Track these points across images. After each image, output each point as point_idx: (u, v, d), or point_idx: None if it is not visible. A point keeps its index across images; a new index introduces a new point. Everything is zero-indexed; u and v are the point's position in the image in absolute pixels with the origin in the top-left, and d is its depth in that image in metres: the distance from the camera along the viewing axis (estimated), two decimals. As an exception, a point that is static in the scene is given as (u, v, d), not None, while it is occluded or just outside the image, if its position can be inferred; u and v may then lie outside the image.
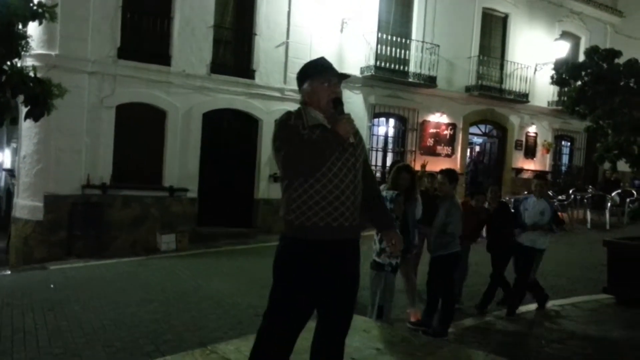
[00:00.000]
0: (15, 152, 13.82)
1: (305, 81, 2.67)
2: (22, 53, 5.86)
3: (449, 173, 5.57)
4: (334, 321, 2.64)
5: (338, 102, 2.60)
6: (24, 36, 5.67)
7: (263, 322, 2.59)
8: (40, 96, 5.66)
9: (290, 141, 2.49)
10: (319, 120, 2.59)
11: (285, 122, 2.58)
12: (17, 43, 5.57)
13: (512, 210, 6.71)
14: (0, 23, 5.24)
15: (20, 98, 5.92)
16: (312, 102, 2.64)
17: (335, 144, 2.48)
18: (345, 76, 2.77)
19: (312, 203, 2.49)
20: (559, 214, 6.72)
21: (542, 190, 6.38)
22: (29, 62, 8.08)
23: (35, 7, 5.70)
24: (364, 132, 13.87)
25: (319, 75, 2.64)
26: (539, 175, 7.11)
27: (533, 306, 6.45)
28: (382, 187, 5.31)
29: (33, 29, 6.36)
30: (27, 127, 10.17)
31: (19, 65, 5.90)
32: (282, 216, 2.59)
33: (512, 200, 6.97)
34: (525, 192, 15.49)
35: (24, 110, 5.97)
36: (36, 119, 5.90)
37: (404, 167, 5.74)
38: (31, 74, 5.78)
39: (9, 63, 5.70)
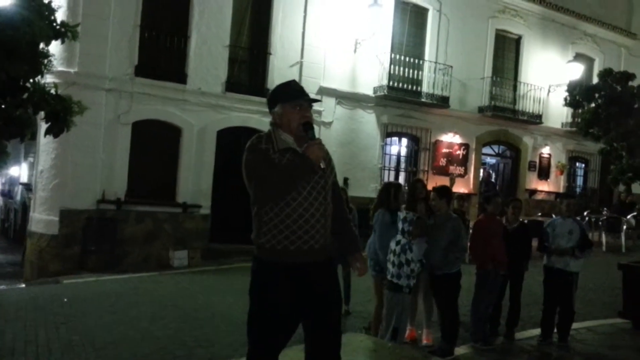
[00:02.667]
0: (33, 167, 14.05)
1: (277, 104, 2.70)
2: (44, 71, 6.01)
3: (440, 190, 5.48)
4: (319, 340, 2.64)
5: (309, 126, 2.64)
6: (47, 55, 5.82)
7: (248, 345, 2.63)
8: (61, 113, 5.79)
9: (261, 167, 2.53)
10: (288, 144, 2.62)
11: (255, 146, 2.61)
12: (40, 61, 5.72)
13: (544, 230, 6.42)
14: (25, 42, 5.39)
15: (41, 114, 6.05)
16: (283, 124, 2.67)
17: (306, 170, 2.51)
18: (315, 101, 2.81)
19: (283, 227, 2.53)
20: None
21: (571, 209, 6.19)
22: (49, 79, 8.27)
23: (58, 27, 5.86)
24: (376, 152, 13.92)
25: (290, 98, 2.68)
26: (568, 195, 6.92)
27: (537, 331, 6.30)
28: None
29: (54, 46, 6.52)
30: (44, 142, 10.36)
31: (40, 82, 6.05)
32: (253, 239, 2.64)
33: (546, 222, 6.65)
34: (539, 214, 15.39)
35: (42, 125, 6.11)
36: (56, 135, 6.03)
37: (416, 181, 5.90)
38: (52, 91, 5.92)
39: (31, 80, 5.85)
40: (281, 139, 2.63)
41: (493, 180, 17.91)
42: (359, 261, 2.81)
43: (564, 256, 5.89)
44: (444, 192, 5.44)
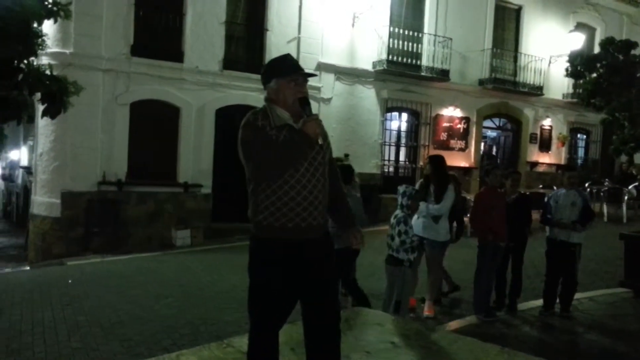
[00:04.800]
0: (32, 150, 14.00)
1: (272, 79, 2.62)
2: (38, 51, 5.92)
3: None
4: (317, 316, 2.66)
5: (305, 102, 2.57)
6: (40, 34, 5.73)
7: (250, 323, 2.65)
8: (57, 94, 5.73)
9: (257, 145, 2.48)
10: (285, 120, 2.57)
11: (251, 124, 2.54)
12: (33, 42, 5.63)
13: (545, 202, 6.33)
14: (17, 22, 5.30)
15: (37, 96, 5.99)
16: (278, 100, 2.60)
17: (304, 147, 2.47)
18: (311, 75, 2.73)
19: (280, 204, 2.50)
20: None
21: (573, 181, 6.18)
22: (44, 60, 8.18)
23: (50, 6, 5.76)
24: (376, 127, 13.85)
25: (286, 73, 2.60)
26: (570, 167, 6.88)
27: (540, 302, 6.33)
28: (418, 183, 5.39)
29: (48, 27, 6.43)
30: (43, 124, 10.31)
31: (35, 63, 5.97)
32: (250, 218, 2.61)
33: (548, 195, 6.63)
34: (541, 186, 15.38)
35: (40, 108, 6.05)
36: (53, 117, 5.97)
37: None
38: (47, 72, 5.85)
39: (25, 61, 5.77)
40: (277, 115, 2.57)
41: (494, 153, 17.90)
42: (353, 235, 2.80)
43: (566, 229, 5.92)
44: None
